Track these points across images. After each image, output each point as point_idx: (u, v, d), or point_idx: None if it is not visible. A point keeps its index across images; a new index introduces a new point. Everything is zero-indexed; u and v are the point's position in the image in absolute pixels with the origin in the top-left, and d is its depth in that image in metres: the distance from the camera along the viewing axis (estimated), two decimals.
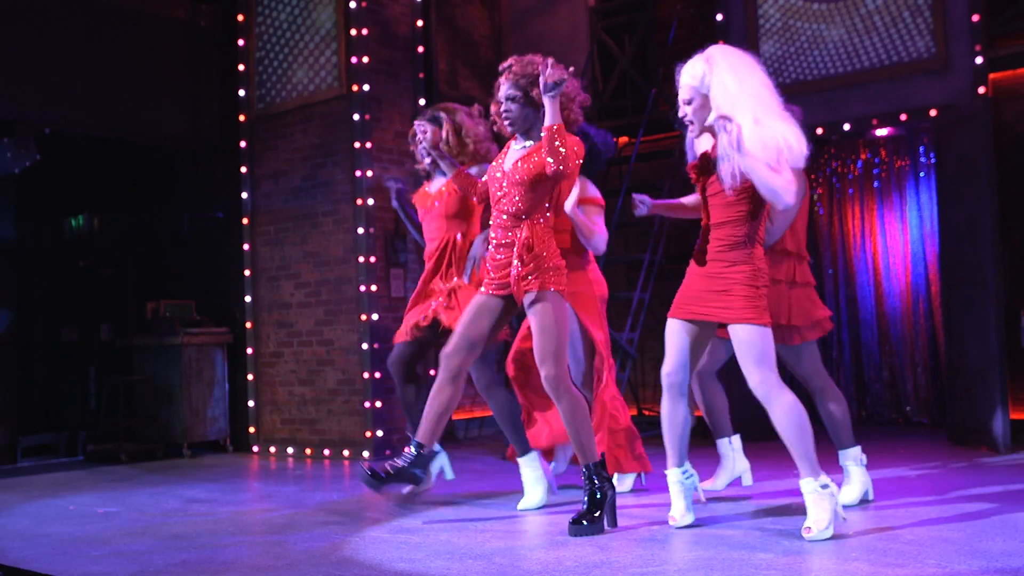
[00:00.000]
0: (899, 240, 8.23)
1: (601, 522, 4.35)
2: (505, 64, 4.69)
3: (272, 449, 8.16)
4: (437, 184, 5.65)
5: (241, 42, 8.52)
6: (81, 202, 9.58)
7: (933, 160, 7.69)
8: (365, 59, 7.75)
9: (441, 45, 8.82)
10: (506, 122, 4.66)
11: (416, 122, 5.63)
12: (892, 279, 8.26)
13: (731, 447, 5.43)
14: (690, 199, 4.69)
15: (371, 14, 7.85)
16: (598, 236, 5.27)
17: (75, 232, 9.54)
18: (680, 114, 4.30)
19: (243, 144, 8.50)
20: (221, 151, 8.82)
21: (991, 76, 7.03)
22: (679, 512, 4.39)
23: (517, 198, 4.55)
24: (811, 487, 4.09)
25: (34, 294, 8.94)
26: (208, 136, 8.83)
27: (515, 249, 4.52)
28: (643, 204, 4.60)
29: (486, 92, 9.51)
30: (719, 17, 7.96)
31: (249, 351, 8.35)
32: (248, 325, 8.35)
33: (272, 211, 8.26)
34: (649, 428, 7.82)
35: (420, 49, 8.23)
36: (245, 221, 8.42)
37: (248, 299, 8.37)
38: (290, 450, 8.03)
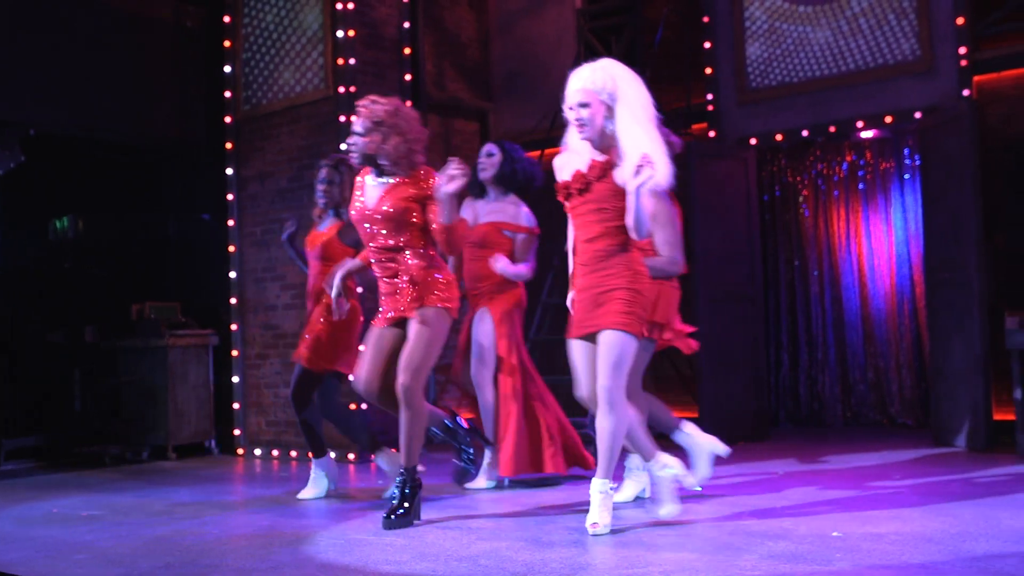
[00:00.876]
0: (884, 242, 8.26)
1: (410, 517, 4.69)
2: (361, 102, 4.87)
3: (257, 451, 8.13)
4: (325, 225, 5.93)
5: (227, 43, 8.49)
6: (66, 204, 9.53)
7: (918, 162, 7.72)
8: (352, 61, 7.74)
9: (428, 47, 8.81)
10: (352, 155, 4.87)
11: (323, 168, 5.92)
12: (877, 280, 8.29)
13: (688, 433, 5.44)
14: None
15: (358, 16, 7.84)
16: (523, 269, 5.82)
17: (60, 234, 9.48)
18: (575, 117, 4.35)
19: (229, 145, 8.47)
20: (207, 152, 8.79)
21: (976, 78, 7.07)
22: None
23: (385, 232, 4.76)
24: (604, 487, 4.35)
25: (18, 296, 8.89)
26: (194, 137, 8.81)
27: (399, 279, 4.75)
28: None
29: (473, 94, 9.55)
30: (705, 20, 7.99)
31: (235, 353, 8.33)
32: (233, 327, 8.33)
33: (258, 213, 8.24)
34: None
35: (407, 51, 8.22)
36: (231, 223, 8.39)
37: (234, 301, 8.35)
38: (275, 452, 8.00)
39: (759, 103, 7.78)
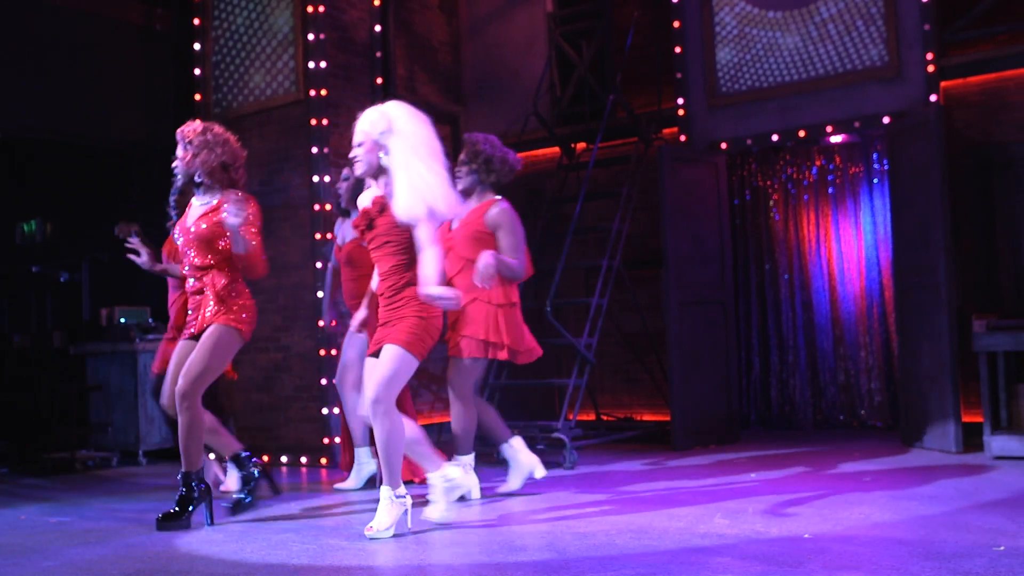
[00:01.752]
0: (853, 245, 8.33)
1: (186, 519, 4.94)
2: (181, 130, 5.16)
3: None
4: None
5: (197, 46, 8.44)
6: (33, 207, 9.44)
7: (887, 167, 7.79)
8: (323, 64, 7.72)
9: (399, 50, 8.79)
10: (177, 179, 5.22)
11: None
12: (847, 284, 8.35)
13: (514, 449, 5.69)
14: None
15: (329, 19, 7.82)
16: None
17: (27, 237, 9.40)
18: (351, 155, 4.70)
19: None
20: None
21: (943, 84, 7.15)
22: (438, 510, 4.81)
23: (194, 252, 5.05)
24: (388, 494, 4.54)
25: None
26: (163, 140, 8.71)
27: (205, 295, 5.01)
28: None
29: (444, 97, 9.55)
30: (676, 24, 8.02)
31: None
32: None
33: None
34: (607, 433, 7.86)
35: (378, 54, 8.21)
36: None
37: None
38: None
39: (729, 108, 7.83)
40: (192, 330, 5.02)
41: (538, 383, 7.68)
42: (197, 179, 5.10)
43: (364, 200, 4.75)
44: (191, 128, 5.13)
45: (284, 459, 7.71)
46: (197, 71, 8.43)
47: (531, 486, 5.89)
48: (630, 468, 6.61)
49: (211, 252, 5.04)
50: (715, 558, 3.84)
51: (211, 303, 4.97)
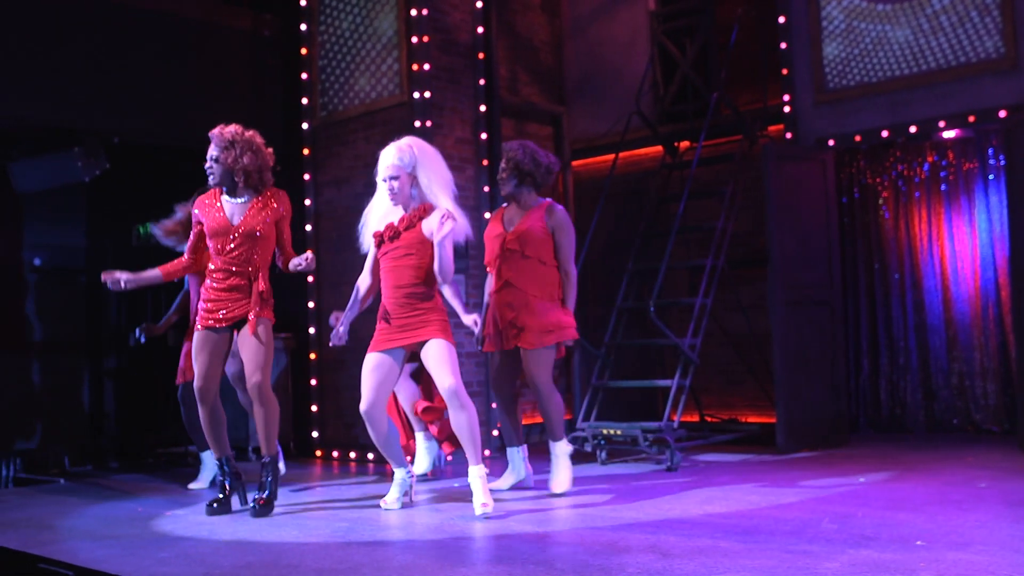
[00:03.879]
0: (967, 244, 8.07)
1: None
2: (214, 131, 5.44)
3: (335, 453, 8.22)
4: None
5: (304, 51, 8.62)
6: (148, 210, 9.73)
7: (1003, 162, 7.54)
8: (426, 66, 7.80)
9: (501, 51, 8.84)
10: (210, 178, 5.45)
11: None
12: (960, 284, 8.10)
13: (519, 455, 6.05)
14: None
15: (432, 21, 7.90)
16: None
17: (142, 239, 9.69)
18: (388, 188, 5.30)
19: (306, 151, 8.60)
20: (284, 158, 8.90)
21: None
22: (392, 499, 5.47)
23: (239, 248, 5.37)
24: (481, 472, 5.14)
25: (104, 301, 9.10)
26: (272, 143, 8.91)
27: (245, 291, 5.39)
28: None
29: (546, 97, 9.56)
30: (781, 20, 7.89)
31: (312, 356, 8.43)
32: (311, 331, 8.44)
33: (335, 217, 8.34)
34: (711, 434, 7.76)
35: (480, 55, 8.27)
36: (309, 227, 8.51)
37: (311, 305, 8.46)
38: (352, 455, 8.09)
39: (837, 104, 7.67)
40: (225, 322, 5.36)
41: (642, 384, 7.63)
42: (235, 179, 5.35)
43: (379, 217, 5.38)
44: (230, 130, 5.37)
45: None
46: (303, 75, 8.61)
47: (635, 487, 5.86)
48: (734, 469, 6.53)
49: (257, 248, 5.38)
50: (823, 563, 3.76)
51: (256, 300, 5.34)
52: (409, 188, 5.27)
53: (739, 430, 7.99)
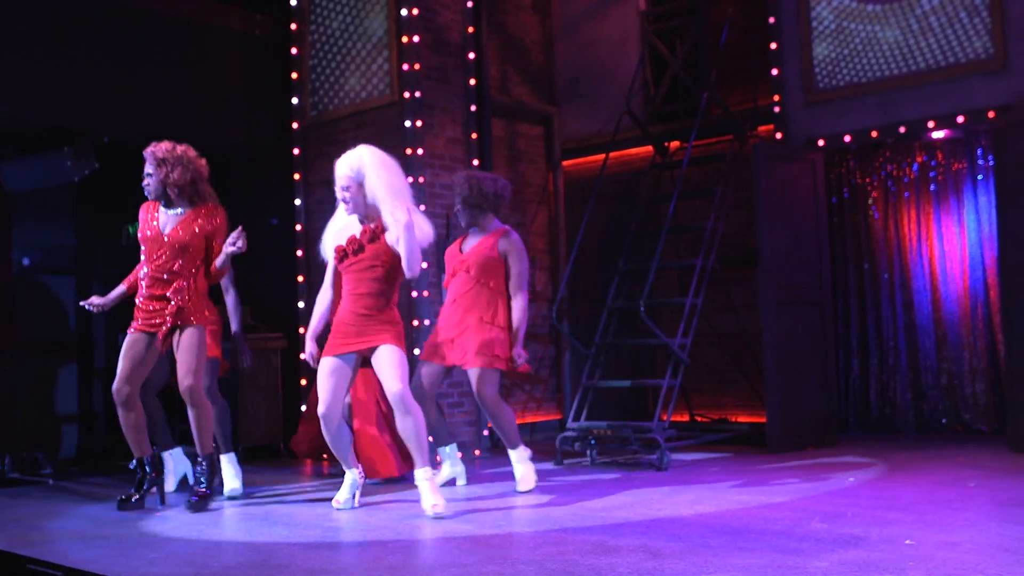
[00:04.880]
0: (957, 244, 8.10)
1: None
2: (147, 149, 5.64)
3: (325, 454, 8.20)
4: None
5: (294, 50, 8.61)
6: (138, 209, 9.71)
7: (992, 163, 7.56)
8: (416, 66, 7.80)
9: (492, 51, 8.83)
10: (147, 192, 5.68)
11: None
12: (949, 284, 8.12)
13: (448, 453, 6.22)
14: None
15: (422, 21, 7.90)
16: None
17: (132, 239, 9.68)
18: (340, 198, 5.38)
19: (296, 151, 8.59)
20: (275, 158, 8.91)
21: None
22: (342, 498, 5.52)
23: (166, 257, 5.53)
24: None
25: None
26: (262, 143, 8.93)
27: (169, 298, 5.51)
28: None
29: (537, 97, 9.56)
30: (771, 20, 7.90)
31: (302, 356, 8.39)
32: (302, 331, 8.42)
33: (325, 217, 8.26)
34: (702, 434, 7.77)
35: (471, 55, 8.27)
36: (299, 227, 8.50)
37: (302, 305, 8.44)
38: None
39: (827, 104, 7.69)
40: (161, 328, 5.48)
41: (632, 383, 7.64)
42: (168, 193, 5.57)
43: (338, 231, 5.46)
44: (162, 147, 5.60)
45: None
46: (294, 75, 8.60)
47: (625, 487, 5.87)
48: (725, 469, 6.54)
49: (183, 258, 5.54)
50: (813, 562, 3.77)
51: (181, 305, 5.48)
52: (362, 197, 5.31)
53: (729, 430, 8.00)
